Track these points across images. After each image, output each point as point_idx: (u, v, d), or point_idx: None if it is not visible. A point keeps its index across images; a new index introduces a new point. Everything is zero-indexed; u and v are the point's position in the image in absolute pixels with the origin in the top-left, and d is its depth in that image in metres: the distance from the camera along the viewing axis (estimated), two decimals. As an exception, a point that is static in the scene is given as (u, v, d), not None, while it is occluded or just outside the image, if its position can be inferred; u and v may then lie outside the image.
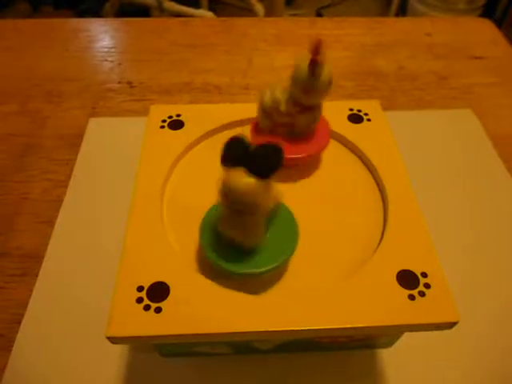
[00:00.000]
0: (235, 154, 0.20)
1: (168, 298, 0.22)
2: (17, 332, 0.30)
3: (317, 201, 0.27)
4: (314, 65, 0.25)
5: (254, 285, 0.23)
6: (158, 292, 0.22)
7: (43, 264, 0.34)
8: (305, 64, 0.26)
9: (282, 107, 0.27)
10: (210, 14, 1.32)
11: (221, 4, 1.60)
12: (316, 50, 0.25)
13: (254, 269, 0.22)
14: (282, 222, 0.24)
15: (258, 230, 0.22)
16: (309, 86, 0.26)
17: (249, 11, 1.34)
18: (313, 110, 0.28)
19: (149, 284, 0.23)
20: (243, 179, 0.19)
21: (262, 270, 0.22)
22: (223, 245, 0.23)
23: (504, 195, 0.39)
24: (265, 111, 0.28)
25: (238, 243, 0.22)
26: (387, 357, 0.29)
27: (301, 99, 0.27)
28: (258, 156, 0.19)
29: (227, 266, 0.22)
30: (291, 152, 0.27)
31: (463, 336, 0.30)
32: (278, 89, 0.28)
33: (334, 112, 0.32)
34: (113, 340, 0.21)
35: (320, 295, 0.22)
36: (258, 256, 0.23)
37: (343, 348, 0.29)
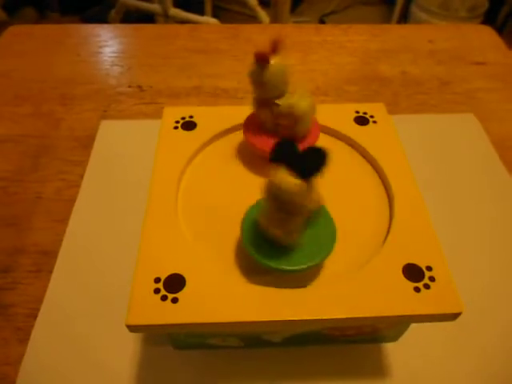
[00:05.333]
0: (284, 153, 0.21)
1: (184, 289, 0.23)
2: (33, 326, 0.31)
3: (326, 199, 0.28)
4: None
5: (267, 278, 0.24)
6: (175, 283, 0.23)
7: (57, 261, 0.35)
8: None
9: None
10: (214, 20, 1.34)
11: (225, 11, 1.62)
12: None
13: (290, 266, 0.23)
14: (321, 224, 0.25)
15: (295, 230, 0.23)
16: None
17: (253, 18, 1.36)
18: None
19: (165, 276, 0.24)
20: (289, 179, 0.20)
21: (297, 267, 0.23)
22: (262, 241, 0.24)
23: (505, 197, 0.40)
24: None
25: (277, 240, 0.23)
26: (393, 350, 0.30)
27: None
28: (305, 158, 0.21)
29: (266, 262, 0.23)
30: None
31: (466, 330, 0.31)
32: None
33: (340, 114, 0.33)
34: (131, 328, 0.22)
35: (329, 287, 0.23)
36: (295, 254, 0.24)
37: (351, 341, 0.30)
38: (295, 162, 0.20)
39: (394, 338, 0.30)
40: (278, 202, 0.21)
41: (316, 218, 0.24)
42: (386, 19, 1.64)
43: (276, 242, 0.23)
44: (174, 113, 0.33)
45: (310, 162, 0.20)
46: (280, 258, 0.23)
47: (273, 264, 0.23)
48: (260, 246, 0.24)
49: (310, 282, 0.24)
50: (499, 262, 0.35)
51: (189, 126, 0.32)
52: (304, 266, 0.23)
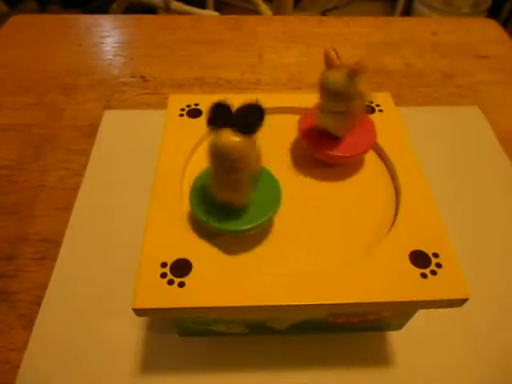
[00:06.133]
0: (220, 116, 0.21)
1: (191, 274, 0.23)
2: (37, 313, 0.31)
3: (333, 186, 0.29)
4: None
5: (275, 261, 0.24)
6: (181, 268, 0.23)
7: (61, 248, 0.35)
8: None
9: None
10: (216, 14, 1.33)
11: (226, 5, 1.62)
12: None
13: (242, 226, 0.24)
14: (265, 185, 0.26)
15: (245, 188, 0.24)
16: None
17: (254, 13, 1.36)
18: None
19: (172, 260, 0.24)
20: (230, 137, 0.21)
21: (249, 227, 0.24)
22: (212, 205, 0.25)
23: (509, 187, 0.41)
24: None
25: (226, 202, 0.24)
26: (397, 339, 0.30)
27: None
28: (241, 116, 0.21)
29: (216, 225, 0.24)
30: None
31: (470, 320, 0.31)
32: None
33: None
34: (138, 312, 0.22)
35: (336, 273, 0.23)
36: (245, 215, 0.25)
37: (355, 330, 0.30)
38: (233, 122, 0.21)
39: (399, 327, 0.30)
40: (222, 162, 0.22)
41: (260, 181, 0.25)
42: (389, 15, 1.63)
43: (225, 204, 0.24)
44: (179, 100, 0.33)
45: (248, 119, 0.21)
46: (227, 220, 0.24)
47: (218, 225, 0.24)
48: (207, 210, 0.24)
49: (318, 269, 0.24)
50: (503, 251, 0.36)
51: (194, 113, 0.32)
52: (248, 227, 0.24)
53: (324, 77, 0.27)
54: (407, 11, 1.57)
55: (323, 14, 1.68)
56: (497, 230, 0.37)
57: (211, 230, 0.24)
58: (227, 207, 0.24)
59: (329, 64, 0.26)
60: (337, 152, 0.28)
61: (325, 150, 0.29)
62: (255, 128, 0.21)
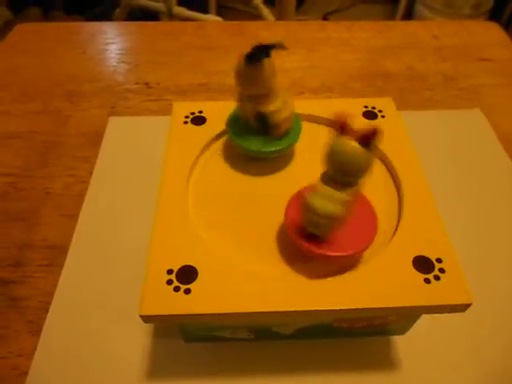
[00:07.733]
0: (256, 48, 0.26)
1: (196, 281, 0.23)
2: (45, 319, 0.32)
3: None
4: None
5: (279, 265, 0.25)
6: (187, 275, 0.24)
7: (68, 255, 0.35)
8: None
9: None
10: (218, 19, 1.34)
11: (229, 10, 1.62)
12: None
13: (263, 149, 0.29)
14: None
15: (249, 109, 0.29)
16: None
17: (256, 17, 1.36)
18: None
19: (178, 267, 0.24)
20: (241, 60, 0.27)
21: (271, 149, 0.29)
22: (246, 133, 0.30)
23: (511, 189, 0.41)
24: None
25: (247, 121, 0.29)
26: (401, 343, 0.30)
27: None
28: (252, 48, 0.26)
29: (247, 146, 0.29)
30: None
31: (474, 324, 0.31)
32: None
33: (349, 109, 0.33)
34: (145, 319, 0.23)
35: (340, 279, 0.24)
36: (269, 142, 0.29)
37: (360, 334, 0.30)
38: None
39: (403, 331, 0.30)
40: (239, 80, 0.28)
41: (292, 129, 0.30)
42: (390, 18, 1.63)
43: (252, 130, 0.29)
44: (183, 108, 0.33)
45: (255, 52, 0.26)
46: (257, 145, 0.29)
47: (251, 147, 0.29)
48: (243, 137, 0.30)
49: (322, 274, 0.24)
50: (506, 254, 0.36)
51: (198, 120, 0.32)
52: (271, 149, 0.29)
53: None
54: (408, 13, 1.57)
55: (325, 17, 1.68)
56: (500, 233, 0.37)
57: (246, 153, 0.30)
58: (259, 136, 0.29)
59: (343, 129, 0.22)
60: (328, 251, 0.24)
61: (314, 247, 0.24)
62: (253, 59, 0.26)
